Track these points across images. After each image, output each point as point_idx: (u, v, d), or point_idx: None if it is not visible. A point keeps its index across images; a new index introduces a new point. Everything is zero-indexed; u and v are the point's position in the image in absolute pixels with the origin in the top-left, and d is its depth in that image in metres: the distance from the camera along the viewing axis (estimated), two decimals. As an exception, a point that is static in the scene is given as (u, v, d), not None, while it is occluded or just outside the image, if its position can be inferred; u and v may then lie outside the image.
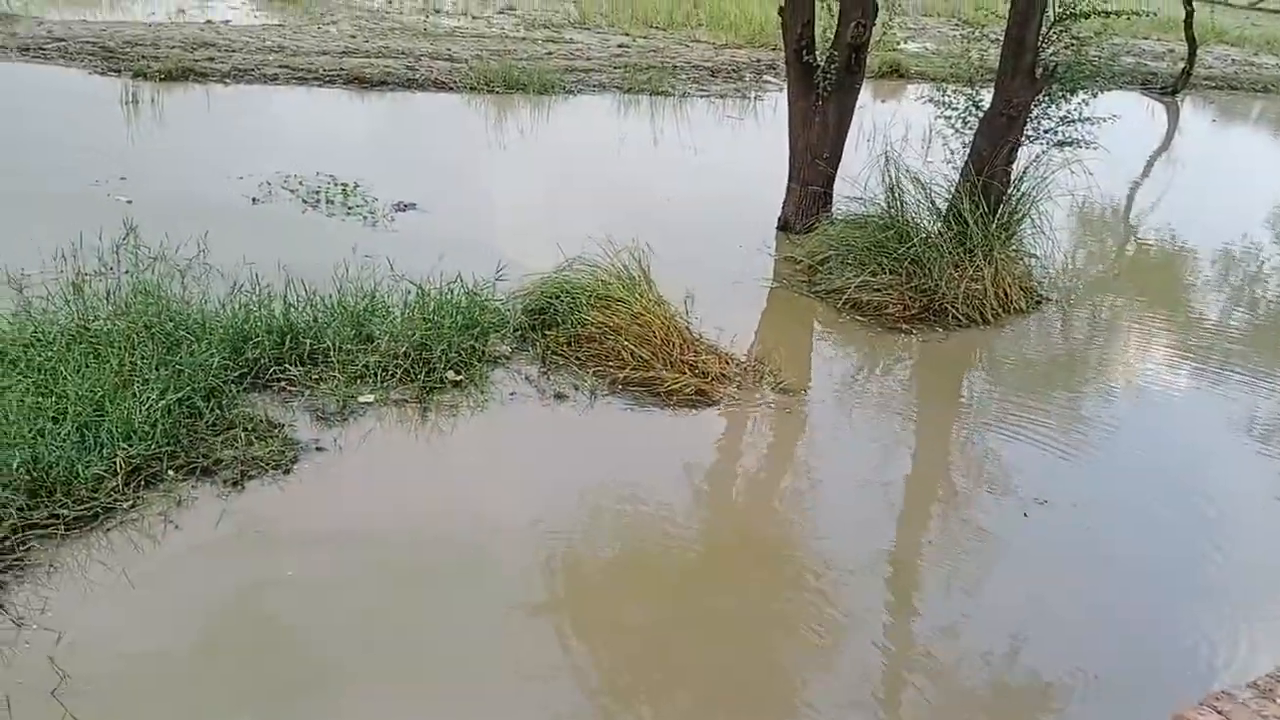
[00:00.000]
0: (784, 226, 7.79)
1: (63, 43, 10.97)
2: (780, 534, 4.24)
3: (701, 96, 13.00)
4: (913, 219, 6.73)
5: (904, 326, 6.22)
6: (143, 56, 10.65)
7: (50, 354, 4.44)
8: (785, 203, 7.84)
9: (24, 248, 5.67)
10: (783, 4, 7.49)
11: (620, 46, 15.26)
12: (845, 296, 6.39)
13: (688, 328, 5.46)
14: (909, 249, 6.46)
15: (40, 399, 4.11)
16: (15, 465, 3.67)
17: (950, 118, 7.28)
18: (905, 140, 9.11)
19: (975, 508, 4.51)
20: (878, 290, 6.37)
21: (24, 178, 7.12)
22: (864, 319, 6.28)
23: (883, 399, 5.49)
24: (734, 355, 5.50)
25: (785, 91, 7.86)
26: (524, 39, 14.89)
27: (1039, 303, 6.79)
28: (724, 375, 5.26)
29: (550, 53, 13.81)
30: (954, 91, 7.40)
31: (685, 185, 8.97)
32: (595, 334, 5.35)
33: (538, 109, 11.37)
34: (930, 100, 7.53)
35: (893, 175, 6.89)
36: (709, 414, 5.02)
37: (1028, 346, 6.31)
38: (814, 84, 7.51)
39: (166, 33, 11.95)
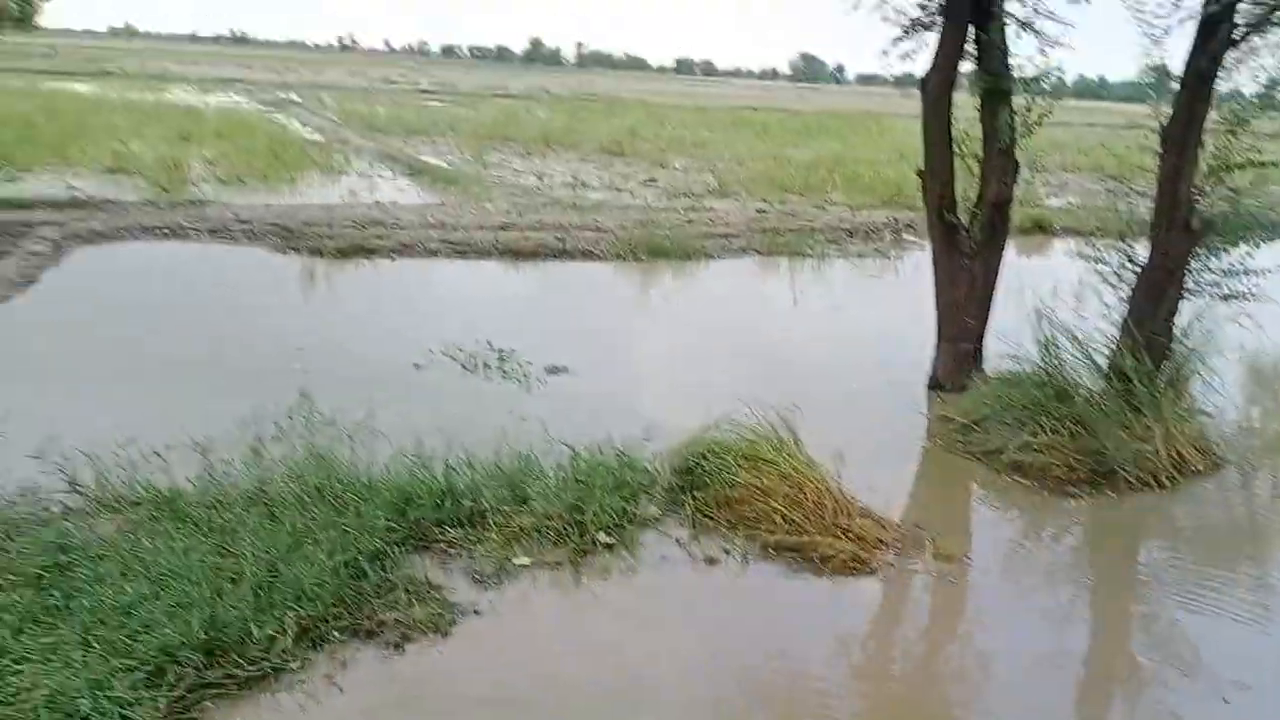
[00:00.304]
0: (934, 385, 7.65)
1: (247, 225, 12.00)
2: (947, 714, 3.98)
3: (840, 256, 13.15)
4: (1071, 376, 6.51)
5: (1071, 489, 5.93)
6: (318, 235, 11.53)
7: (230, 516, 4.68)
8: (935, 361, 7.72)
9: (210, 414, 6.07)
10: (921, 167, 7.59)
11: (759, 212, 15.69)
12: (1005, 457, 6.16)
13: (840, 490, 5.34)
14: (1070, 408, 6.23)
15: (220, 560, 4.31)
16: (196, 626, 3.83)
17: (1103, 273, 7.11)
18: (1055, 295, 8.92)
19: (1163, 687, 4.14)
20: (1039, 451, 6.12)
21: (213, 350, 7.70)
22: (1027, 481, 6.02)
23: (1052, 567, 5.19)
24: (890, 519, 5.33)
25: (927, 250, 7.87)
26: (666, 209, 15.48)
27: (1217, 464, 6.38)
28: (880, 541, 5.09)
29: (691, 220, 14.29)
30: (1105, 245, 7.26)
31: (828, 345, 8.98)
32: (745, 495, 5.28)
33: (680, 274, 11.70)
34: (1080, 255, 7.39)
35: (1047, 331, 6.73)
36: (866, 582, 4.84)
37: (1208, 511, 5.91)
38: (958, 243, 7.50)
39: (340, 213, 12.95)
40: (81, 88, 32.03)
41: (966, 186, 7.62)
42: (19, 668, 3.60)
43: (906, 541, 5.17)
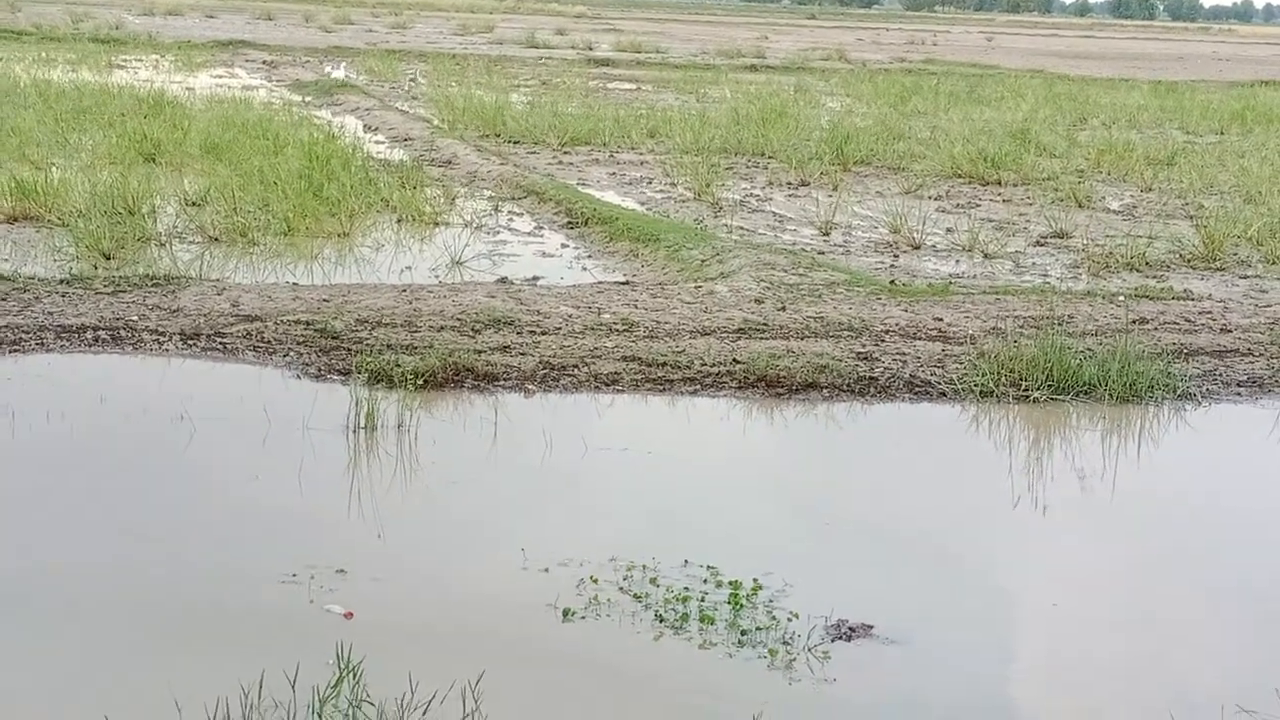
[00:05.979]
0: None
1: (256, 323, 12.58)
2: None
3: None
4: None
5: None
6: (387, 346, 11.99)
7: None
8: None
9: (174, 693, 6.34)
10: None
11: (1299, 302, 15.35)
12: None
13: None
14: None
15: None
16: None
17: None
18: None
19: None
20: None
21: (182, 567, 8.10)
22: None
23: None
24: None
25: None
26: (1087, 294, 15.40)
27: None
28: None
29: (1142, 319, 14.06)
30: None
31: None
32: None
33: (1117, 429, 11.55)
34: None
35: None
36: None
37: None
38: None
39: (430, 302, 13.45)
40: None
41: None
42: None
43: None
